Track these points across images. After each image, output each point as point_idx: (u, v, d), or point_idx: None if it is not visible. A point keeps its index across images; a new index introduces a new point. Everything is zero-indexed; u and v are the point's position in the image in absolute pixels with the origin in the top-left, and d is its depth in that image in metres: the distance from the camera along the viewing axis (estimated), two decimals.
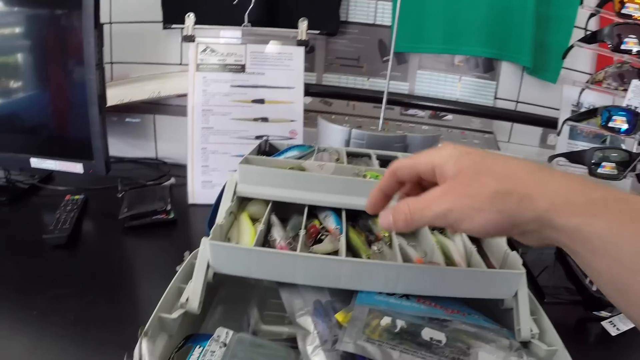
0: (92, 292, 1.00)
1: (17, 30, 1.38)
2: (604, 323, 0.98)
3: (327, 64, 1.73)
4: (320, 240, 0.80)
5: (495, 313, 0.73)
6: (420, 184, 0.58)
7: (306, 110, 1.49)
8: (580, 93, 1.35)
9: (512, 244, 0.81)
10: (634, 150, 1.11)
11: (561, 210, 0.44)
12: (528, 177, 0.47)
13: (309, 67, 1.70)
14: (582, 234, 0.43)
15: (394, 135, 1.30)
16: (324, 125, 1.35)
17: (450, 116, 1.73)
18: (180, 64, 1.75)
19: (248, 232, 0.80)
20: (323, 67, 1.73)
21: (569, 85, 1.36)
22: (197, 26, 1.42)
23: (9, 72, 1.42)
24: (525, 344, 0.70)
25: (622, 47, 1.10)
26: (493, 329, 0.67)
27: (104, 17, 1.27)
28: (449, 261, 0.79)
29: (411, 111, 1.74)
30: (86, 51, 1.26)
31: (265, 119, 1.45)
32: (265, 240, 0.80)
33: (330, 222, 0.82)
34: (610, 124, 1.12)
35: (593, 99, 1.36)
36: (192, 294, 0.70)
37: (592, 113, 1.20)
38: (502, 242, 0.82)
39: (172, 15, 1.66)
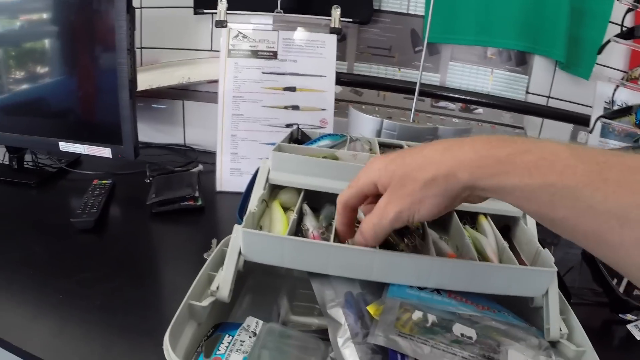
0: (118, 278, 1.00)
1: (50, 15, 1.38)
2: (629, 326, 0.96)
3: (358, 53, 1.70)
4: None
5: (522, 311, 0.72)
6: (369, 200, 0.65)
7: (336, 100, 1.47)
8: (615, 90, 1.31)
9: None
10: None
11: (479, 176, 0.50)
12: (443, 158, 0.53)
13: (340, 55, 1.67)
14: (504, 190, 0.50)
15: (425, 127, 1.28)
16: (356, 115, 1.33)
17: (480, 109, 1.70)
18: (211, 50, 1.74)
19: (280, 221, 0.78)
20: (354, 56, 1.71)
21: (603, 81, 1.32)
22: (228, 11, 1.41)
23: (40, 57, 1.42)
24: (554, 344, 0.68)
25: None
26: (522, 327, 0.66)
27: (134, 2, 1.26)
28: (482, 257, 0.77)
29: (442, 103, 1.72)
30: (118, 35, 1.25)
31: (296, 107, 1.43)
32: (298, 229, 0.79)
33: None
34: None
35: (626, 96, 1.33)
36: (223, 282, 0.68)
37: (626, 111, 1.17)
38: (533, 239, 0.80)
39: (203, 1, 1.65)
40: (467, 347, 0.58)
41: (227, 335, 0.65)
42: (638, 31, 1.09)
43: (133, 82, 1.31)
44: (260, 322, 0.67)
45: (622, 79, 1.30)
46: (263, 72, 1.42)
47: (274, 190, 0.89)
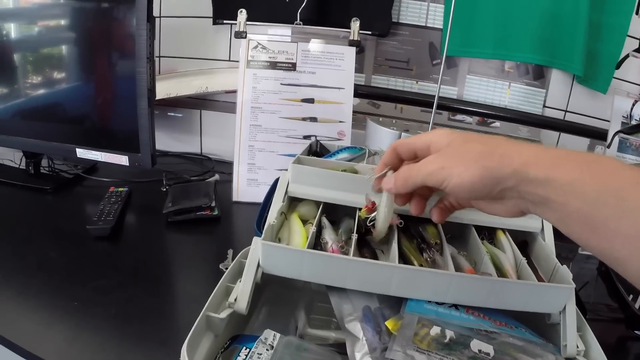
0: (133, 286, 1.00)
1: (70, 22, 1.40)
2: None
3: (376, 65, 1.70)
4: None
5: (539, 327, 0.72)
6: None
7: (354, 112, 1.47)
8: (633, 105, 1.30)
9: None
10: None
11: (534, 165, 0.52)
12: (506, 143, 0.56)
13: (358, 67, 1.68)
14: (552, 183, 0.51)
15: None
16: (373, 128, 1.33)
17: (498, 123, 1.69)
18: (229, 60, 1.75)
19: (299, 233, 0.78)
20: (372, 68, 1.71)
21: (621, 96, 1.32)
22: (248, 22, 1.41)
23: (59, 63, 1.44)
24: None
25: None
26: (540, 343, 0.66)
27: (154, 11, 1.26)
28: (500, 272, 0.77)
29: (459, 116, 1.71)
30: (138, 44, 1.26)
31: (314, 119, 1.43)
32: (317, 243, 0.78)
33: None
34: None
35: None
36: (241, 294, 0.68)
37: None
38: (551, 254, 0.80)
39: (222, 11, 1.66)
40: None
41: (244, 348, 0.65)
42: None
43: (152, 90, 1.31)
44: (278, 335, 0.66)
45: None
46: (282, 84, 1.43)
47: (293, 202, 0.89)
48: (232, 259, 0.99)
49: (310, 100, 1.43)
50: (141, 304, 0.94)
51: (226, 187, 1.48)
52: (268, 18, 1.50)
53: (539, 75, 1.63)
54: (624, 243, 0.47)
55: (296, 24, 1.45)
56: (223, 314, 0.66)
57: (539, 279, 0.78)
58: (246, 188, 1.44)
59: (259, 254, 0.69)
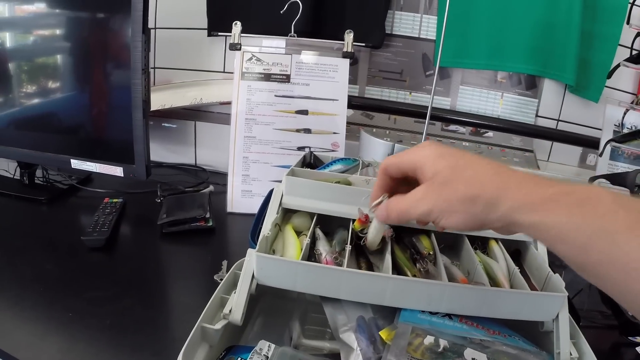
0: (128, 297, 1.00)
1: (66, 33, 1.40)
2: (639, 349, 0.96)
3: (369, 77, 1.72)
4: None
5: (532, 335, 0.72)
6: (406, 179, 0.64)
7: (347, 123, 1.48)
8: (625, 114, 1.31)
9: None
10: None
11: (521, 210, 0.51)
12: (493, 181, 0.53)
13: (352, 79, 1.69)
14: (541, 227, 0.50)
15: None
16: (367, 139, 1.34)
17: (490, 133, 1.70)
18: (224, 72, 1.76)
19: (293, 245, 0.78)
20: (366, 80, 1.72)
21: (613, 105, 1.33)
22: (242, 35, 1.42)
23: (54, 74, 1.44)
24: None
25: None
26: (533, 351, 0.66)
27: (149, 23, 1.27)
28: (493, 281, 0.78)
29: (452, 127, 1.72)
30: (133, 55, 1.27)
31: (308, 130, 1.44)
32: (311, 254, 0.79)
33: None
34: None
35: (636, 119, 1.34)
36: (236, 305, 0.69)
37: (636, 134, 1.17)
38: (544, 263, 0.81)
39: (217, 23, 1.67)
40: None
41: (239, 358, 0.65)
42: None
43: (147, 102, 1.32)
44: (273, 346, 0.67)
45: (632, 102, 1.31)
46: (276, 95, 1.43)
47: (287, 214, 0.89)
48: (227, 270, 1.00)
49: (304, 112, 1.44)
50: (136, 315, 0.94)
51: (220, 198, 1.48)
52: (262, 30, 1.51)
53: (531, 85, 1.65)
54: (614, 285, 0.47)
55: (290, 36, 1.46)
56: (218, 325, 0.66)
57: (532, 287, 0.79)
58: (240, 199, 1.45)
59: (253, 266, 0.70)
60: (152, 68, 1.74)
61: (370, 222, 0.74)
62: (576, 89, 1.60)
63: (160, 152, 1.85)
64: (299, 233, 0.84)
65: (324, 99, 1.44)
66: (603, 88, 1.57)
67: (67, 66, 1.43)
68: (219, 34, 1.68)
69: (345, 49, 1.44)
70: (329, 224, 0.88)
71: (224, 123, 1.42)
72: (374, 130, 1.64)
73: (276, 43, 1.48)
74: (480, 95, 1.69)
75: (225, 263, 1.10)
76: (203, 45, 1.73)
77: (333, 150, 1.45)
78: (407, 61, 1.69)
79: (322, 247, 0.79)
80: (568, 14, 1.50)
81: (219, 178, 1.63)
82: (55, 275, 1.07)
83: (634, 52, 1.22)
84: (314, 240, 0.82)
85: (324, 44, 1.51)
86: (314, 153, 1.14)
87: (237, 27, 1.41)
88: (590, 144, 1.57)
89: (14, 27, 1.43)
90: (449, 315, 0.70)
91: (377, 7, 1.60)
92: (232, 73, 1.44)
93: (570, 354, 0.68)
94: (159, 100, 1.65)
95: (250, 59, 1.42)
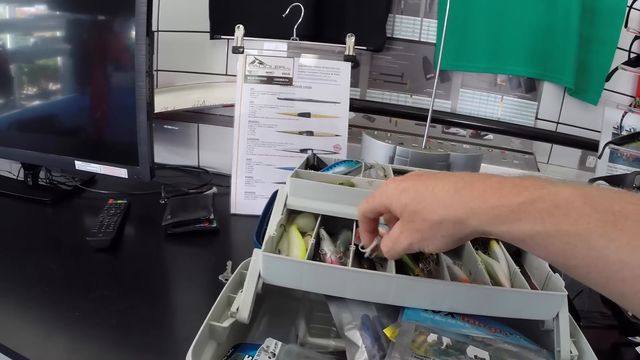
0: (133, 297, 1.01)
1: (69, 35, 1.41)
2: (638, 348, 0.96)
3: (371, 80, 1.73)
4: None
5: (533, 333, 0.72)
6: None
7: (349, 125, 1.49)
8: (623, 116, 1.32)
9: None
10: None
11: (490, 223, 0.51)
12: (453, 202, 0.54)
13: (353, 82, 1.69)
14: (513, 236, 0.50)
15: (437, 153, 1.29)
16: (369, 141, 1.35)
17: (491, 135, 1.71)
18: (226, 74, 1.77)
19: (298, 245, 0.79)
20: (367, 83, 1.73)
21: (611, 107, 1.34)
22: (245, 38, 1.43)
23: (58, 75, 1.45)
24: None
25: None
26: (534, 349, 0.67)
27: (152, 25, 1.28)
28: (494, 281, 0.78)
29: (452, 129, 1.73)
30: (137, 58, 1.28)
31: (310, 133, 1.45)
32: (316, 254, 0.80)
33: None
34: None
35: (634, 121, 1.34)
36: (243, 303, 0.69)
37: (634, 136, 1.18)
38: (544, 263, 0.81)
39: (219, 27, 1.68)
40: None
41: (246, 356, 0.65)
42: None
43: (151, 104, 1.33)
44: (279, 343, 0.67)
45: (630, 105, 1.32)
46: (278, 98, 1.44)
47: (292, 215, 0.90)
48: (231, 271, 1.01)
49: (307, 115, 1.45)
50: (141, 315, 0.95)
51: (224, 199, 1.49)
52: (265, 33, 1.52)
53: (530, 88, 1.66)
54: (597, 286, 0.47)
55: (292, 39, 1.47)
56: (226, 323, 0.67)
57: (532, 287, 0.79)
58: (244, 201, 1.46)
59: (260, 265, 0.70)
60: (155, 71, 1.75)
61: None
62: (575, 92, 1.61)
63: (164, 154, 1.86)
64: (303, 234, 0.85)
65: (326, 102, 1.45)
66: (602, 91, 1.59)
67: (71, 68, 1.44)
68: (222, 37, 1.69)
69: (346, 52, 1.46)
70: (332, 225, 0.88)
71: (227, 125, 1.43)
72: (376, 132, 1.65)
73: (277, 46, 1.49)
74: (480, 98, 1.70)
75: (230, 263, 1.11)
76: (206, 48, 1.75)
77: (335, 153, 1.46)
78: (407, 64, 1.70)
79: (327, 247, 0.80)
80: (566, 18, 1.51)
81: (222, 180, 1.64)
82: (60, 275, 1.08)
83: (632, 55, 1.23)
84: (318, 240, 0.83)
85: (325, 47, 1.52)
86: (317, 155, 1.15)
87: (239, 30, 1.42)
88: (589, 146, 1.58)
89: (22, 30, 1.44)
90: (452, 314, 0.70)
91: (378, 10, 1.61)
92: (235, 76, 1.45)
93: (571, 352, 0.69)
94: (162, 102, 1.67)
95: (253, 62, 1.43)
